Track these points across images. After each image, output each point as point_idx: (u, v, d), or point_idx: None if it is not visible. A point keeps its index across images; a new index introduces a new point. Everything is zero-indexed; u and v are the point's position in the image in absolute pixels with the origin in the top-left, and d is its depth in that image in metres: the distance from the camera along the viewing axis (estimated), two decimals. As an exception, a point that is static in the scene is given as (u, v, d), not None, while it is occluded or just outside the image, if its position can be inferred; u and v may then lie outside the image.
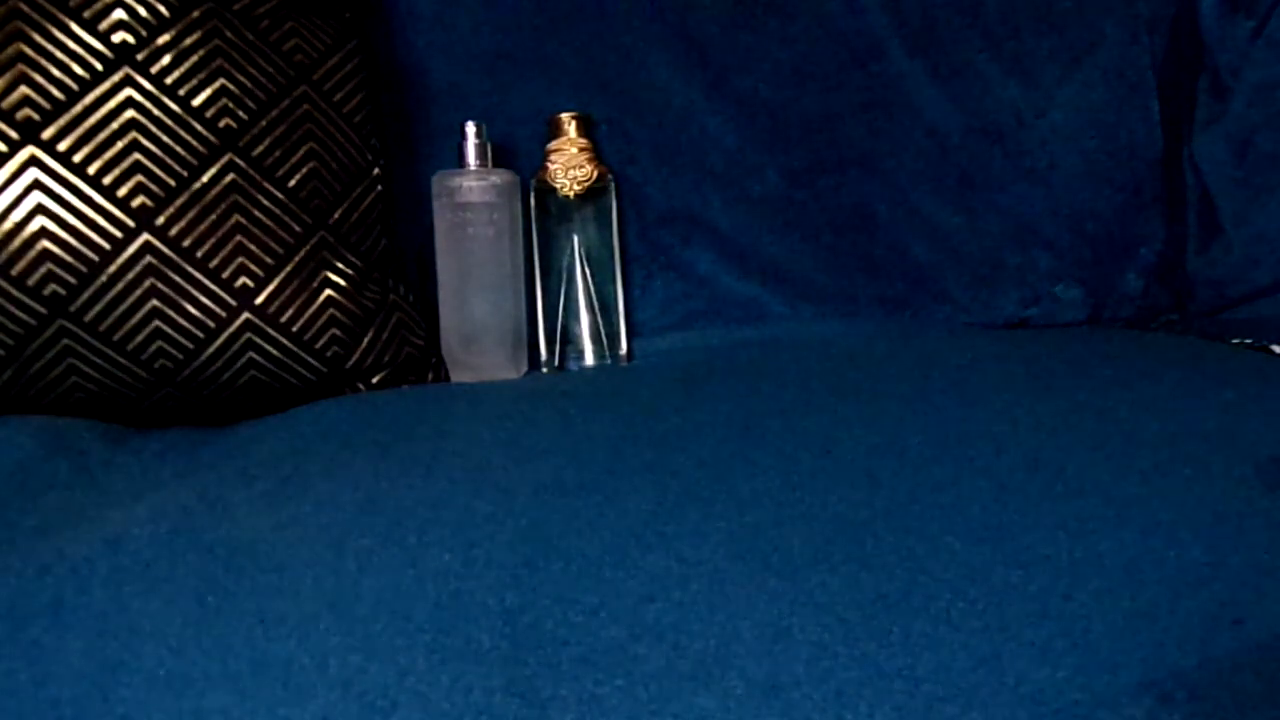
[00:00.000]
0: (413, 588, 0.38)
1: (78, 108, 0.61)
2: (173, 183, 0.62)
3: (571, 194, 0.79)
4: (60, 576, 0.40)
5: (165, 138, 0.63)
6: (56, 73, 0.61)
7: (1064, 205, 0.90)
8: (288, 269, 0.65)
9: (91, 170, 0.61)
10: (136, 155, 0.62)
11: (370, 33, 0.75)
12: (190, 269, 0.63)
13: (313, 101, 0.68)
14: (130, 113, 0.62)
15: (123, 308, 0.61)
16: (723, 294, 0.86)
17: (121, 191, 0.61)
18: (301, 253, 0.66)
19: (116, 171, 0.61)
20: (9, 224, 0.59)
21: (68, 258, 0.60)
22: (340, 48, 0.71)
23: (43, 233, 0.60)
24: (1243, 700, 0.31)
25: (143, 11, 0.63)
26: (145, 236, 0.62)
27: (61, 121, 0.61)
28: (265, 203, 0.65)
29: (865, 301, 0.87)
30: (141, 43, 0.63)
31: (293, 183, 0.66)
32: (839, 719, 0.31)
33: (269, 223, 0.65)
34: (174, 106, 0.63)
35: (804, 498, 0.46)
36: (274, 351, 0.65)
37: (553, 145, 0.80)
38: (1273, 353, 0.73)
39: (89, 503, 0.49)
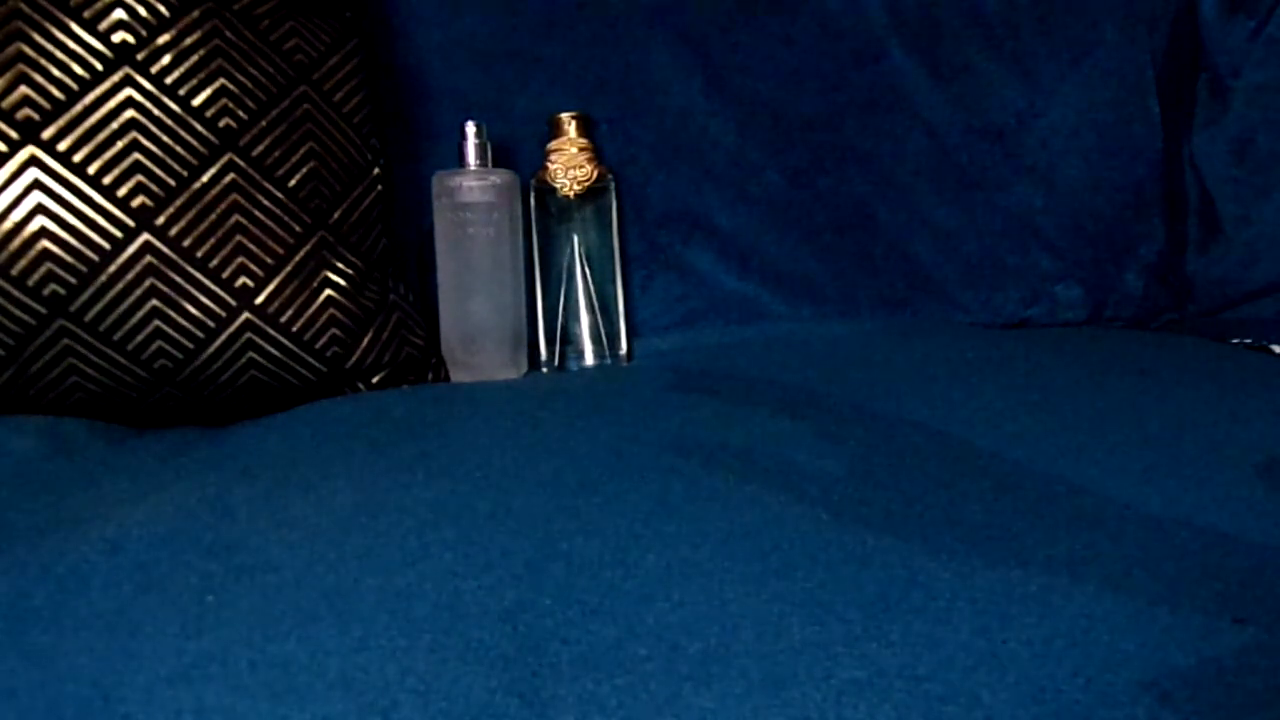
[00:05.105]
0: (413, 588, 0.38)
1: (78, 108, 0.61)
2: (173, 183, 0.62)
3: (571, 194, 0.79)
4: (60, 576, 0.40)
5: (165, 138, 0.63)
6: (56, 73, 0.61)
7: (1064, 205, 0.90)
8: (288, 269, 0.65)
9: (91, 170, 0.61)
10: (136, 155, 0.62)
11: (370, 33, 0.75)
12: (190, 269, 0.63)
13: (313, 101, 0.68)
14: (130, 113, 0.62)
15: (123, 308, 0.61)
16: (723, 294, 0.86)
17: (121, 191, 0.61)
18: (301, 253, 0.66)
19: (116, 171, 0.61)
20: (9, 224, 0.59)
21: (68, 258, 0.60)
22: (340, 48, 0.71)
23: (43, 233, 0.60)
24: (1243, 700, 0.31)
25: (143, 11, 0.63)
26: (145, 236, 0.62)
27: (61, 121, 0.61)
28: (265, 203, 0.65)
29: (865, 301, 0.87)
30: (141, 43, 0.63)
31: (293, 183, 0.66)
32: (839, 719, 0.31)
33: (269, 223, 0.65)
34: (174, 106, 0.63)
35: (803, 497, 0.46)
36: (274, 351, 0.65)
37: (553, 145, 0.80)
38: (1273, 353, 0.73)
39: (89, 503, 0.49)
